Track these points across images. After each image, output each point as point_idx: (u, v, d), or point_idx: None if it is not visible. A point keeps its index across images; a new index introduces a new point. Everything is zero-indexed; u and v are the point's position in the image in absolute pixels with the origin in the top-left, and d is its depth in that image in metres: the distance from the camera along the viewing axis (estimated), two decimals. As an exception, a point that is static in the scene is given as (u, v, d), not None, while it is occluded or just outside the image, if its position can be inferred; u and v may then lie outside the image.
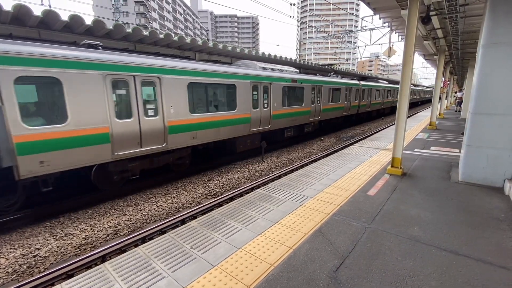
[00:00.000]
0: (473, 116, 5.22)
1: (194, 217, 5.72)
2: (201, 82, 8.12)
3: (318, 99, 14.19)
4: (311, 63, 17.91)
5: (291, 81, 11.88)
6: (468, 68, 19.37)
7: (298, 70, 13.41)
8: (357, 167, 6.64)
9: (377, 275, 2.74)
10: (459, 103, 21.37)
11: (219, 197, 6.52)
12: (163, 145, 7.27)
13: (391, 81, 31.63)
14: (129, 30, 8.07)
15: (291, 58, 14.83)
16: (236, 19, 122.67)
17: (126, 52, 7.23)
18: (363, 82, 19.96)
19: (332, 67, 19.71)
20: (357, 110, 19.33)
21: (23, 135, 4.91)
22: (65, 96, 5.41)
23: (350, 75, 22.93)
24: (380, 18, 10.26)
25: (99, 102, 5.86)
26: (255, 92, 10.09)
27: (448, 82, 21.37)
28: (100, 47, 6.36)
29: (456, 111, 22.67)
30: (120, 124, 6.26)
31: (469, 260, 2.96)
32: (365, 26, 16.29)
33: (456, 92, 26.68)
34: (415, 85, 44.55)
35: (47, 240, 5.00)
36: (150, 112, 6.89)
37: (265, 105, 10.59)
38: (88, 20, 7.22)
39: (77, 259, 4.20)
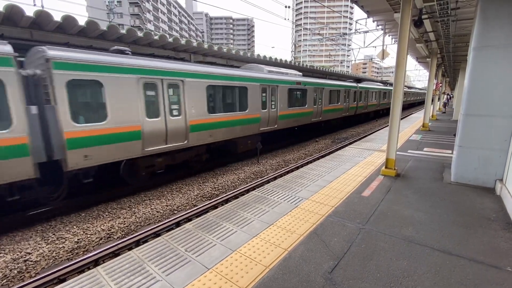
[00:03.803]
0: (464, 118, 5.30)
1: (189, 219, 5.68)
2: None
3: (384, 98, 27.11)
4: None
5: (380, 90, 25.77)
6: (459, 71, 19.73)
7: (382, 84, 27.77)
8: (352, 168, 6.68)
9: (372, 276, 2.75)
10: (444, 104, 26.48)
11: (214, 199, 6.49)
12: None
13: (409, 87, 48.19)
14: (123, 31, 8.01)
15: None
16: (231, 21, 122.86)
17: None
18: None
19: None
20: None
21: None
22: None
23: (382, 82, 36.27)
24: (373, 21, 10.40)
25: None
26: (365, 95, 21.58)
27: (441, 84, 21.88)
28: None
29: (442, 112, 24.38)
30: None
31: (461, 260, 3.00)
32: (359, 29, 16.46)
33: (445, 94, 28.61)
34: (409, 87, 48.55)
35: (39, 244, 4.91)
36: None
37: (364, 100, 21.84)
38: (82, 21, 7.15)
39: (69, 263, 4.13)
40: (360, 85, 21.49)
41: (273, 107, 11.36)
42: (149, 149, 6.89)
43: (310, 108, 14.13)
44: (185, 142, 7.77)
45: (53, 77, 5.24)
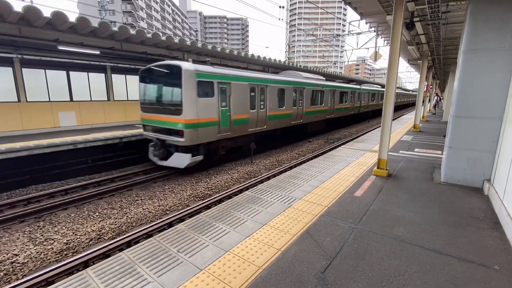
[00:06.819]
0: (454, 119, 5.41)
1: (181, 220, 5.62)
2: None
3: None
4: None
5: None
6: (449, 73, 20.15)
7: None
8: (344, 168, 6.73)
9: (364, 275, 2.77)
10: (434, 106, 28.03)
11: (207, 199, 6.45)
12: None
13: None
14: (115, 28, 7.88)
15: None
16: (225, 20, 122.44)
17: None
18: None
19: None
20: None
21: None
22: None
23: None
24: (366, 23, 10.51)
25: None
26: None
27: (431, 86, 22.35)
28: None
29: (432, 113, 25.22)
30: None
31: (451, 259, 3.05)
32: (352, 31, 16.62)
33: (436, 96, 29.62)
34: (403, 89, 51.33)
35: (26, 245, 4.78)
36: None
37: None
38: (72, 18, 7.01)
39: (58, 265, 4.04)
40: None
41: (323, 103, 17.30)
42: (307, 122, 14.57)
43: (348, 104, 20.95)
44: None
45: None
